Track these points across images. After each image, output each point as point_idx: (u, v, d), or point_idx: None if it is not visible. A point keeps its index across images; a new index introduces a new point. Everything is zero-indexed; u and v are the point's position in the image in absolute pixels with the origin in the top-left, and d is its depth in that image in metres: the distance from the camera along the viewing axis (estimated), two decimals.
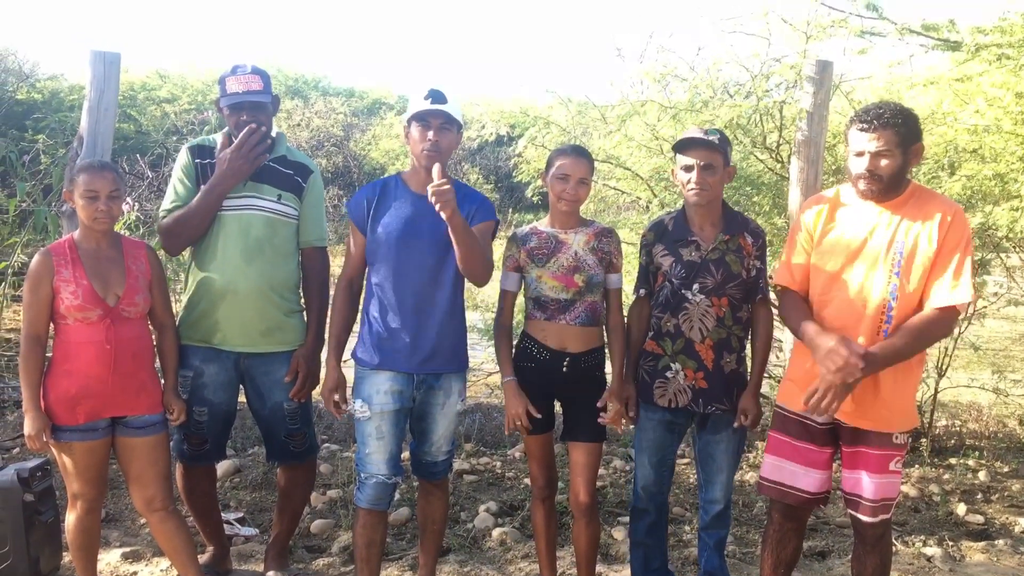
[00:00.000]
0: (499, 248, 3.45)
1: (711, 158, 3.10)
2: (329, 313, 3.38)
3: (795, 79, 4.81)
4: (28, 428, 2.96)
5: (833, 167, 5.37)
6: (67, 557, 3.47)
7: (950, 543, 4.24)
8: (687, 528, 4.30)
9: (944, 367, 5.85)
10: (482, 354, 6.35)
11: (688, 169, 3.12)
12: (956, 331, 5.78)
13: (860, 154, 2.79)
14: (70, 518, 3.18)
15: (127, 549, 3.90)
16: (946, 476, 5.25)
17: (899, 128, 2.74)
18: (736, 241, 3.19)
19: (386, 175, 3.52)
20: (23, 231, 6.48)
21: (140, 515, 3.92)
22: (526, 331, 3.31)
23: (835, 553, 4.07)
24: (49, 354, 3.08)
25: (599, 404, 3.23)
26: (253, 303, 3.34)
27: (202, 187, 3.33)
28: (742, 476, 5.03)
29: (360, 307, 3.32)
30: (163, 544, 3.26)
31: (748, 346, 3.32)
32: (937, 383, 5.83)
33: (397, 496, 4.50)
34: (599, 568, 3.64)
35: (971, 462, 5.49)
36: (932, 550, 4.11)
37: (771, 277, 3.25)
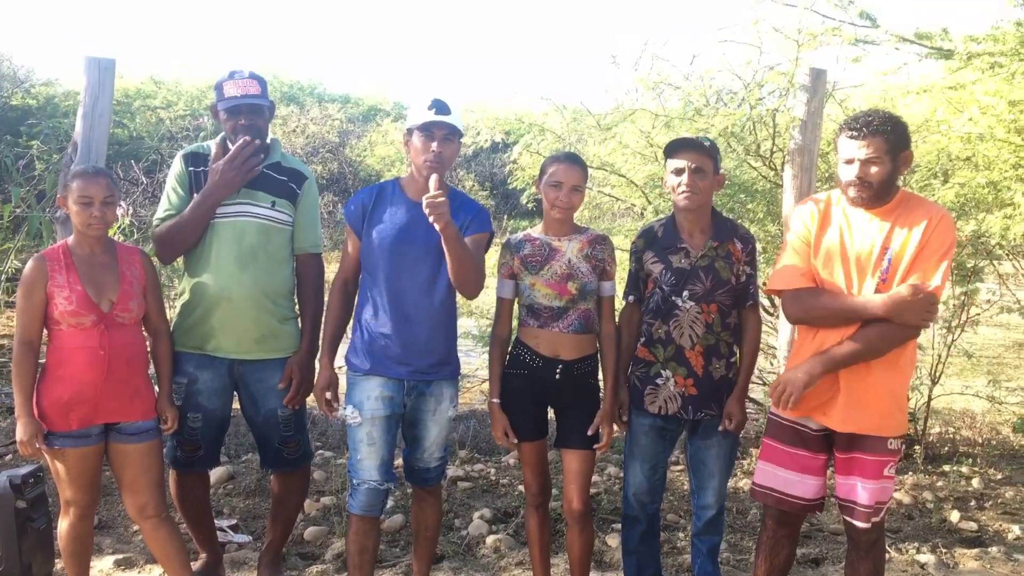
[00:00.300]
0: (495, 256, 3.46)
1: (701, 161, 3.11)
2: (324, 313, 3.38)
3: (788, 87, 4.82)
4: (20, 434, 2.95)
5: (827, 174, 5.39)
6: (59, 564, 3.46)
7: (943, 550, 4.24)
8: (681, 535, 4.30)
9: (938, 374, 5.86)
10: (477, 360, 6.35)
11: (679, 172, 3.12)
12: (950, 338, 5.80)
13: (850, 161, 2.81)
14: (63, 525, 3.17)
15: (120, 556, 3.89)
16: (940, 483, 5.25)
17: (888, 135, 2.76)
18: (725, 247, 3.20)
19: (382, 181, 3.52)
20: (17, 237, 6.47)
21: (133, 522, 3.92)
22: (519, 338, 3.31)
23: (829, 560, 4.08)
24: (42, 360, 3.07)
25: (590, 432, 3.25)
26: (247, 310, 3.34)
27: (195, 195, 3.33)
28: (736, 483, 5.03)
29: (353, 311, 3.33)
30: (156, 551, 3.25)
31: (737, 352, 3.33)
32: (931, 390, 5.83)
33: (391, 503, 4.50)
34: (593, 575, 3.64)
35: (965, 469, 5.49)
36: (926, 557, 4.12)
37: (764, 284, 3.26)
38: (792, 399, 2.83)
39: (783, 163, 4.86)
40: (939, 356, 5.84)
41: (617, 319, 3.35)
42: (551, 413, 3.37)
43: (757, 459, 3.18)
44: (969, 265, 5.41)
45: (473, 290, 3.15)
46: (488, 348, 3.43)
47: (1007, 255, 5.94)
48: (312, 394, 3.38)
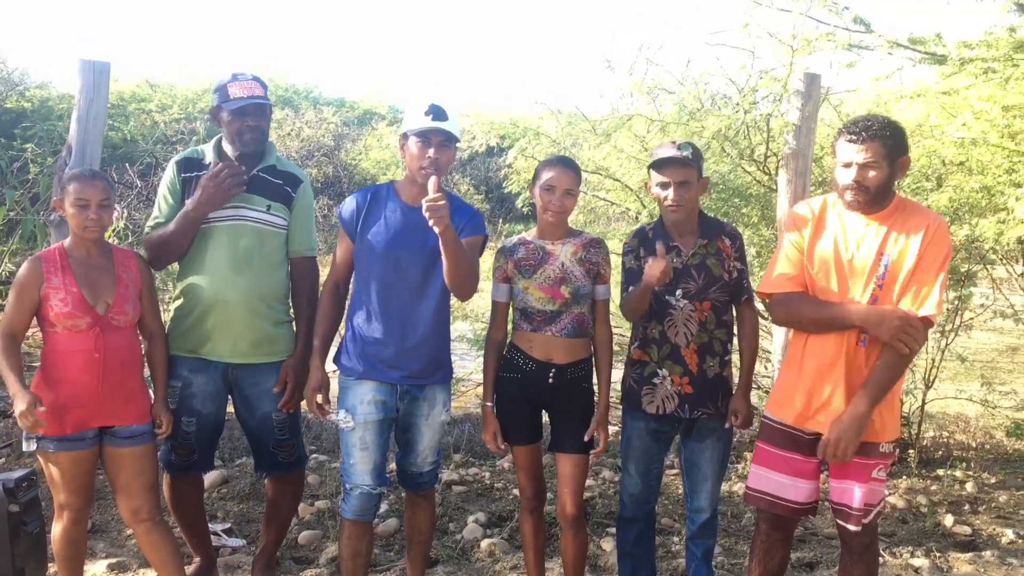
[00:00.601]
0: (489, 260, 3.46)
1: (686, 175, 3.13)
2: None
3: (783, 92, 4.84)
4: (19, 407, 2.83)
5: (820, 179, 5.40)
6: (53, 568, 3.45)
7: (937, 554, 4.25)
8: (675, 539, 4.30)
9: (932, 378, 5.87)
10: (471, 364, 6.35)
11: (664, 187, 3.15)
12: (943, 342, 5.82)
13: (848, 165, 2.81)
14: (56, 529, 3.16)
15: (113, 560, 3.88)
16: (933, 487, 5.26)
17: (887, 140, 2.77)
18: (715, 244, 3.23)
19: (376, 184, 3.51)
20: (11, 240, 6.47)
21: (126, 526, 3.91)
22: (513, 342, 3.32)
23: (823, 564, 4.08)
24: (37, 364, 3.07)
25: (586, 438, 3.25)
26: (242, 314, 3.34)
27: (187, 201, 3.33)
28: (730, 487, 5.04)
29: (345, 313, 3.33)
30: (149, 555, 3.24)
31: (732, 350, 3.33)
32: (924, 394, 5.85)
33: (385, 507, 4.50)
34: None
35: (958, 473, 5.51)
36: (920, 561, 4.12)
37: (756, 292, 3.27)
38: (851, 451, 2.81)
39: (777, 167, 4.87)
40: (933, 360, 5.86)
41: (622, 304, 3.31)
42: (545, 417, 3.37)
43: (751, 463, 3.19)
44: (963, 270, 5.43)
45: (468, 293, 3.15)
46: (482, 352, 3.43)
47: (1001, 260, 5.96)
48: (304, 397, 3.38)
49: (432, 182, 2.84)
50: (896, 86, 5.57)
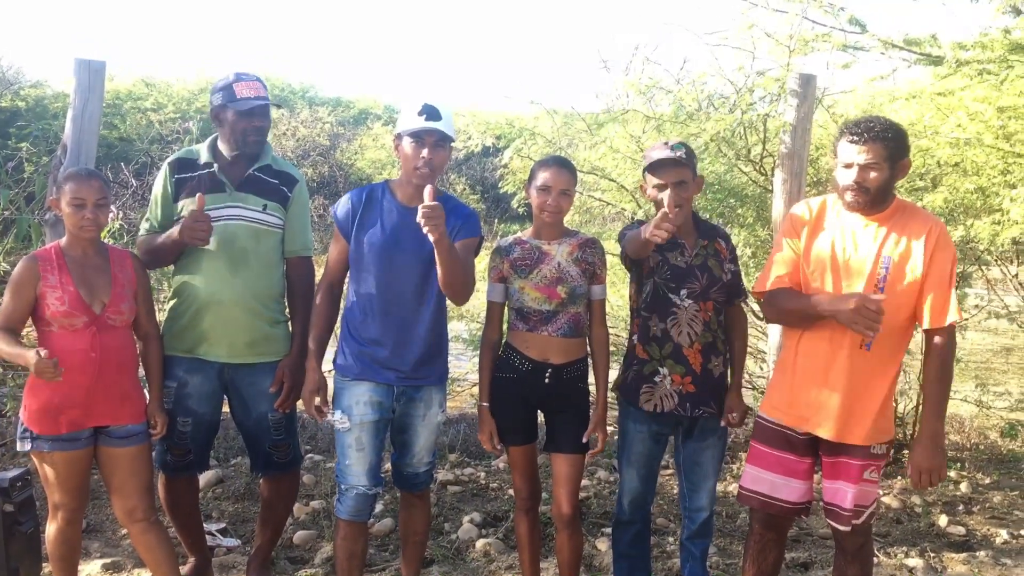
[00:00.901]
0: (485, 260, 3.46)
1: (682, 175, 3.13)
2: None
3: (779, 92, 4.84)
4: (32, 363, 2.78)
5: (815, 179, 5.41)
6: (47, 568, 3.44)
7: (932, 554, 4.26)
8: (670, 539, 4.30)
9: None
10: (467, 364, 6.34)
11: (661, 188, 3.13)
12: None
13: (849, 166, 2.81)
14: (51, 529, 3.15)
15: (108, 560, 3.87)
16: (928, 488, 5.26)
17: (888, 142, 2.77)
18: (713, 246, 3.25)
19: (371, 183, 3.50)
20: (6, 239, 6.44)
21: (121, 526, 3.90)
22: (508, 342, 3.32)
23: (817, 564, 4.08)
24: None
25: (584, 439, 3.26)
26: (238, 314, 3.34)
27: (178, 202, 3.35)
28: (725, 487, 5.04)
29: (340, 313, 3.32)
30: (144, 555, 3.24)
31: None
32: (919, 395, 5.85)
33: (381, 507, 4.50)
34: None
35: (953, 474, 5.51)
36: (914, 561, 4.13)
37: (750, 291, 3.28)
38: (943, 472, 2.93)
39: (773, 168, 4.88)
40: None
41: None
42: (541, 417, 3.37)
43: (744, 463, 3.19)
44: (958, 270, 5.43)
45: (462, 298, 3.13)
46: (478, 352, 3.43)
47: (995, 260, 5.97)
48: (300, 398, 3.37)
49: (428, 191, 2.81)
50: (891, 87, 5.58)
